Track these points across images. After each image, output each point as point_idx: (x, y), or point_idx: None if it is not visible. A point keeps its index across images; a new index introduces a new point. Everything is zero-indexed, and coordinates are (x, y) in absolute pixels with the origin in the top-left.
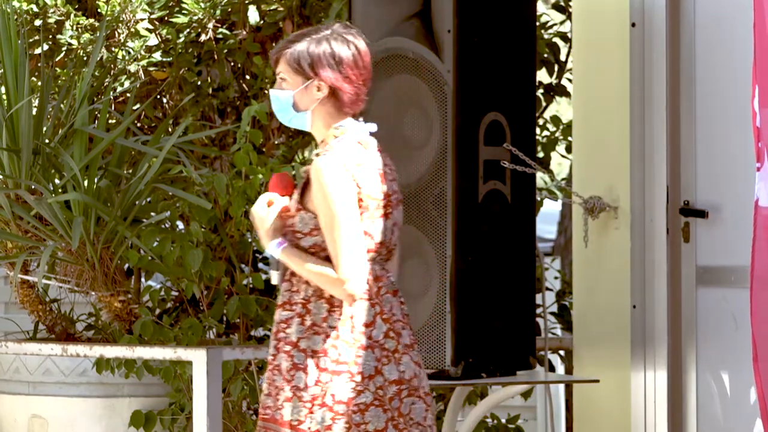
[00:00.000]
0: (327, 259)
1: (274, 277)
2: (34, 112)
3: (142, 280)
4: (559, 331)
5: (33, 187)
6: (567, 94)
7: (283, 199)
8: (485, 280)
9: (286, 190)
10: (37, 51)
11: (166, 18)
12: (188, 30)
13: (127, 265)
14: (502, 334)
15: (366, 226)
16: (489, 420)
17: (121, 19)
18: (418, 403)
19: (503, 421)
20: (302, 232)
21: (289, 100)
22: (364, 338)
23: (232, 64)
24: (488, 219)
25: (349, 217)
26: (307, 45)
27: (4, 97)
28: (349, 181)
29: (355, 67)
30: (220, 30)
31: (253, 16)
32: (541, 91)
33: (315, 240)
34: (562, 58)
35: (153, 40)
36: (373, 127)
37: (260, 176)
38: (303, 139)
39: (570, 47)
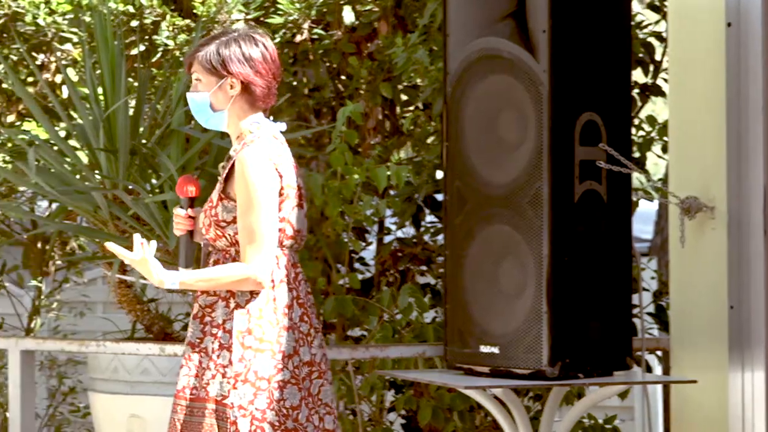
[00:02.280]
0: None
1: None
2: (131, 113)
3: None
4: (656, 332)
5: (130, 187)
6: (662, 94)
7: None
8: (582, 281)
9: (194, 190)
10: (134, 52)
11: (261, 18)
12: (284, 30)
13: None
14: (598, 334)
15: (286, 214)
16: (586, 420)
17: (216, 19)
18: (327, 385)
19: (600, 421)
20: (226, 220)
21: (206, 101)
22: (285, 319)
23: (328, 64)
24: (584, 219)
25: (268, 208)
26: (216, 47)
27: (102, 98)
28: (273, 171)
29: (264, 62)
30: (316, 30)
31: (348, 16)
32: (636, 90)
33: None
34: (658, 57)
35: None
36: (283, 126)
37: (356, 176)
38: (398, 139)
39: (665, 47)
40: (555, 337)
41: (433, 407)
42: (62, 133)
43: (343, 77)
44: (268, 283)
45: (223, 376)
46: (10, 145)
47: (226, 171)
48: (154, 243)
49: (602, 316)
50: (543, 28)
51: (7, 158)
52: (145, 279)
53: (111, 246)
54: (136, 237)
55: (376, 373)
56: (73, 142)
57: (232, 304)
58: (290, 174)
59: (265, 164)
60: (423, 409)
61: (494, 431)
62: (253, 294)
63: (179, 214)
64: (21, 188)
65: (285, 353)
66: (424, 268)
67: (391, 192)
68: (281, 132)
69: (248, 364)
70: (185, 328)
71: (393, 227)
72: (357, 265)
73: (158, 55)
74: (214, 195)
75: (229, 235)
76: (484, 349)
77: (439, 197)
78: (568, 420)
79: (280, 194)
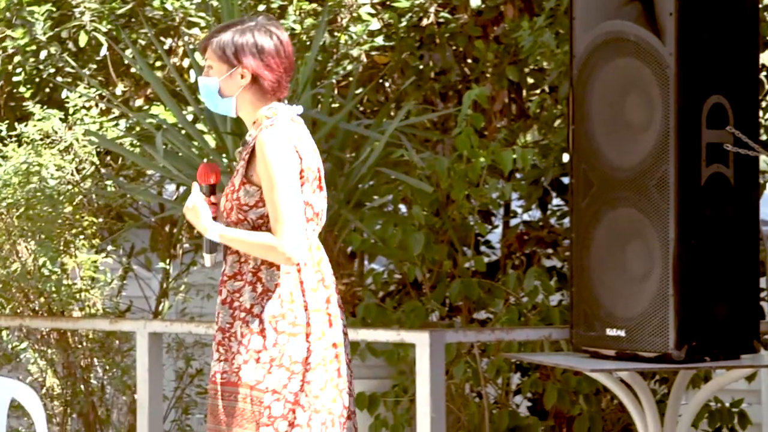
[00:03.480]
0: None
1: (207, 260)
2: None
3: (366, 262)
4: None
5: None
6: None
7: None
8: (708, 264)
9: (214, 177)
10: None
11: (387, 2)
12: (410, 14)
13: (350, 248)
14: (725, 317)
15: (307, 196)
16: (712, 404)
17: (343, 3)
18: (346, 366)
19: (727, 404)
20: (248, 204)
21: (216, 87)
22: (313, 302)
23: (454, 48)
24: (711, 202)
25: (291, 185)
26: (232, 35)
27: None
28: (293, 152)
29: (276, 56)
30: (442, 14)
31: (474, 0)
32: (764, 73)
33: (261, 211)
34: None
35: (375, 25)
36: (299, 108)
37: (482, 159)
38: (525, 122)
39: None
40: (681, 320)
41: (559, 390)
42: (190, 117)
43: (469, 61)
44: (300, 259)
45: (257, 361)
46: (138, 129)
47: (248, 155)
48: (196, 186)
49: (729, 299)
50: (670, 11)
51: (136, 142)
52: None
53: (195, 186)
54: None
55: (502, 355)
56: (200, 126)
57: (260, 289)
58: (310, 156)
59: (285, 145)
60: (549, 392)
61: (620, 414)
62: (281, 278)
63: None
64: (149, 172)
65: (316, 336)
66: (550, 251)
67: (517, 175)
68: (298, 114)
69: (282, 349)
70: None
71: (519, 210)
72: (483, 248)
73: None
74: (236, 179)
75: (251, 219)
76: (610, 332)
77: (566, 180)
78: (695, 403)
79: (300, 176)
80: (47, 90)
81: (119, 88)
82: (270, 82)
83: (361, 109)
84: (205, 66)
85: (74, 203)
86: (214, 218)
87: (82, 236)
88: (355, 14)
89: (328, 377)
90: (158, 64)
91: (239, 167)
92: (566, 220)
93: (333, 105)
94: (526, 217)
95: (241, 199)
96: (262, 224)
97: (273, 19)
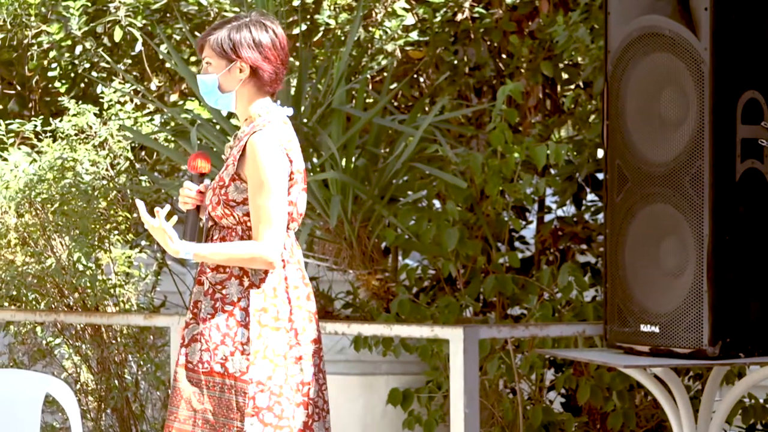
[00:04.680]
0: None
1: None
2: (292, 92)
3: (399, 258)
4: None
5: None
6: None
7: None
8: (743, 260)
9: (206, 167)
10: (295, 31)
11: None
12: (445, 9)
13: (384, 244)
14: (760, 313)
15: (294, 197)
16: (746, 400)
17: None
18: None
19: (761, 401)
20: (236, 201)
21: (215, 83)
22: (295, 298)
23: (488, 43)
24: (746, 198)
25: (278, 190)
26: (228, 31)
27: None
28: (283, 156)
29: (273, 48)
30: (477, 9)
31: None
32: None
33: (249, 208)
34: None
35: (410, 20)
36: (289, 111)
37: (516, 155)
38: (559, 117)
39: None
40: (716, 316)
41: (593, 386)
42: (224, 113)
43: (503, 56)
44: (278, 263)
45: (242, 353)
46: (173, 124)
47: (239, 153)
48: (167, 207)
49: (764, 295)
50: (705, 6)
51: (170, 137)
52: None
53: (138, 203)
54: (158, 209)
55: (536, 351)
56: (234, 121)
57: (246, 283)
58: (299, 159)
59: (276, 149)
60: (582, 388)
61: (654, 410)
62: (267, 273)
63: (191, 188)
64: (183, 167)
65: (297, 330)
66: (584, 246)
67: (552, 171)
68: (288, 117)
69: (266, 341)
70: (346, 306)
71: (553, 206)
72: (517, 244)
73: (320, 34)
74: (225, 175)
75: (238, 215)
76: (644, 328)
77: (600, 176)
78: (729, 400)
79: (290, 178)
80: (82, 85)
81: (154, 83)
82: (269, 73)
83: (396, 104)
84: (203, 64)
85: (109, 198)
86: (198, 207)
87: (116, 231)
88: (389, 9)
89: (313, 371)
90: (193, 59)
91: (229, 162)
92: (600, 216)
93: (367, 100)
94: (560, 212)
95: (230, 195)
96: (248, 221)
97: (266, 14)
